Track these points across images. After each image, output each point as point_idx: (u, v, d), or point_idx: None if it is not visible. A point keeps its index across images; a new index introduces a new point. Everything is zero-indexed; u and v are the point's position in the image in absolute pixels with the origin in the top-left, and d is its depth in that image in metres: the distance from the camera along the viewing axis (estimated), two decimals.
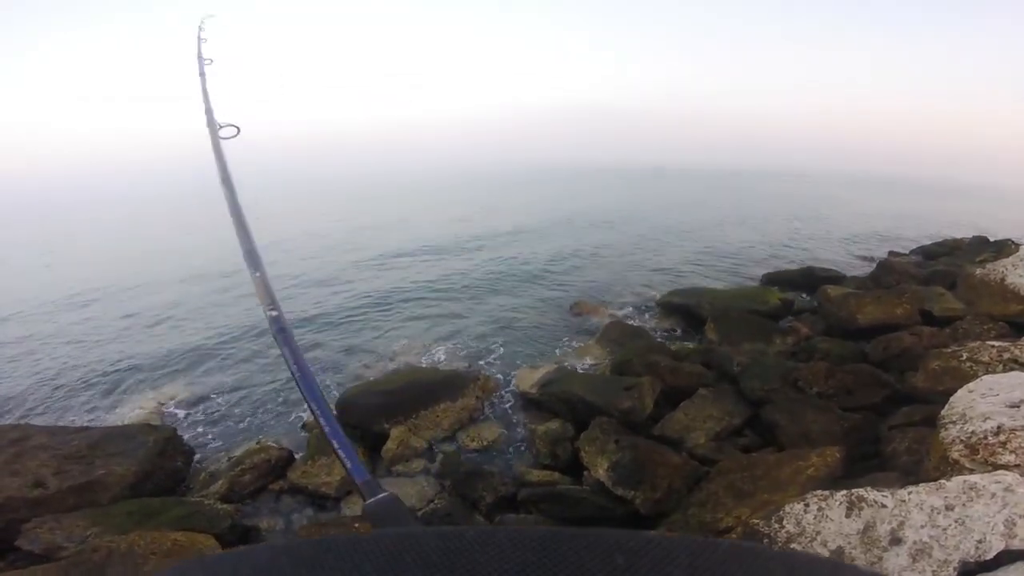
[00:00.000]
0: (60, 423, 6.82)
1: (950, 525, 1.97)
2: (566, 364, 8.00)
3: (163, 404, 7.63)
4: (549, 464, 5.51)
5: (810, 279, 11.53)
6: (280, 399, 7.49)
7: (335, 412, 0.84)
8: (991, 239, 15.99)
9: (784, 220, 25.10)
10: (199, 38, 2.01)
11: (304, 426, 6.48)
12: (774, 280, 12.12)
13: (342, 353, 9.05)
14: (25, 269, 19.12)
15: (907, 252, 16.35)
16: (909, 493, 2.19)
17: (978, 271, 8.25)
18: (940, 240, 17.47)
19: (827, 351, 6.98)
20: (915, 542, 1.99)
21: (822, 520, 2.38)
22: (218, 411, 7.33)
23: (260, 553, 0.31)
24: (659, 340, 8.81)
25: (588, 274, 13.99)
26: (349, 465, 0.75)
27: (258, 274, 1.03)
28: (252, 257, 1.06)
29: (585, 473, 5.09)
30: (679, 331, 9.54)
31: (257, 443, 6.09)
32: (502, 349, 8.95)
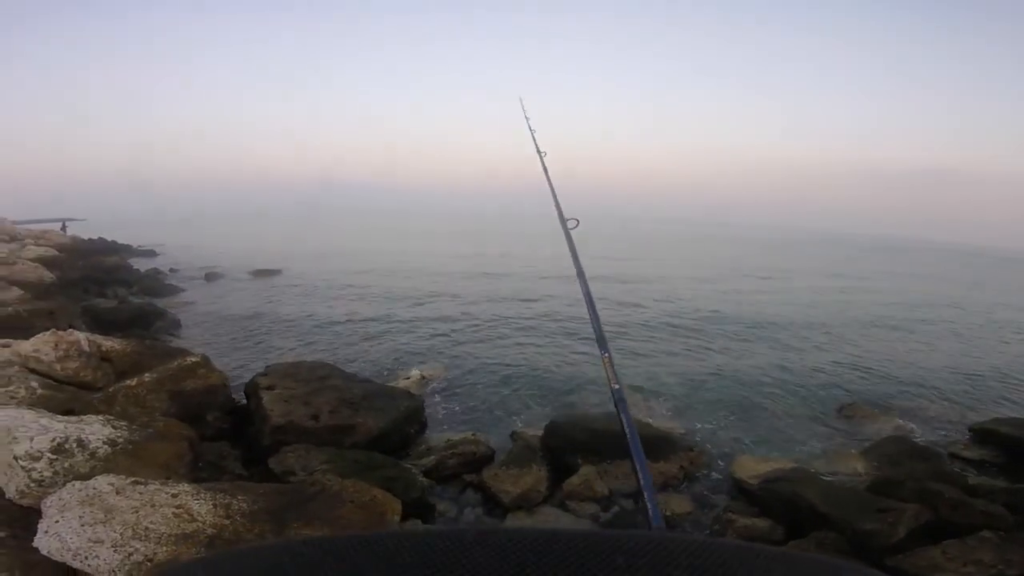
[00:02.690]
0: (356, 371, 8.51)
1: None
2: (806, 466, 6.80)
3: (426, 379, 9.18)
4: None
5: None
6: (506, 406, 8.27)
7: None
8: None
9: None
10: (530, 128, 2.38)
11: (513, 435, 6.97)
12: None
13: (573, 381, 9.42)
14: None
15: None
16: None
17: None
18: None
19: None
20: None
21: None
22: (459, 399, 8.44)
23: (261, 553, 0.32)
24: (953, 469, 6.80)
25: (882, 373, 11.41)
26: (652, 512, 0.95)
27: (606, 355, 1.32)
28: (601, 341, 1.36)
29: None
30: (991, 465, 7.15)
31: (472, 435, 6.76)
32: (732, 425, 8.07)
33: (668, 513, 5.59)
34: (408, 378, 9.21)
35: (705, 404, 8.80)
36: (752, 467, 6.47)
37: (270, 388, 6.54)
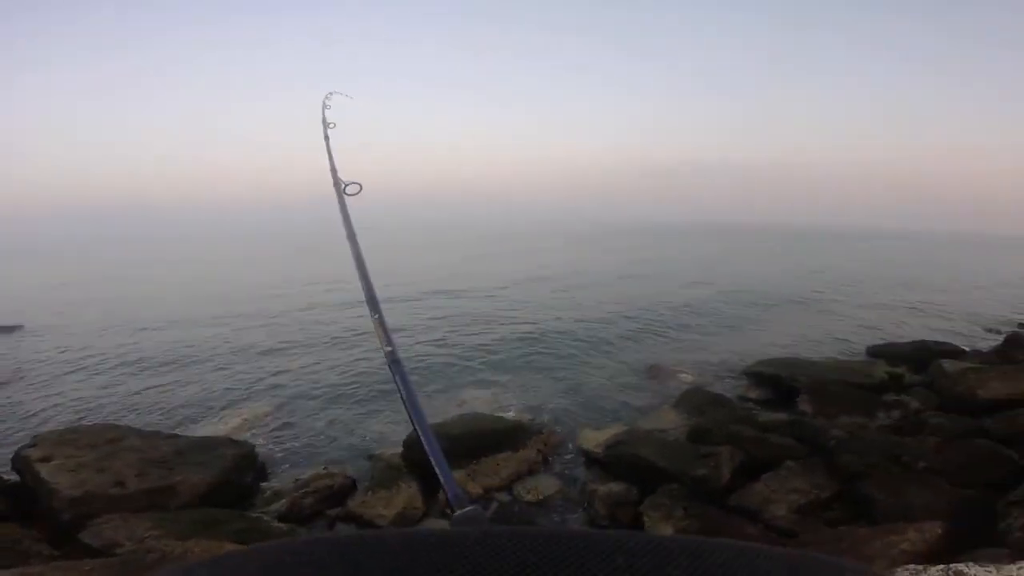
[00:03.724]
0: (156, 428, 7.36)
1: None
2: (636, 427, 7.64)
3: (248, 421, 8.13)
4: (606, 525, 5.24)
5: (923, 353, 10.44)
6: (355, 431, 7.73)
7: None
8: None
9: (898, 287, 23.25)
10: (324, 106, 2.28)
11: (370, 457, 6.58)
12: (881, 353, 11.11)
13: (421, 391, 9.21)
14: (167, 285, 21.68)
15: None
16: (1019, 568, 1.88)
17: None
18: None
19: (939, 426, 6.35)
20: None
21: None
22: (296, 435, 7.66)
23: (264, 552, 0.31)
24: (744, 410, 8.23)
25: (670, 335, 13.50)
26: (443, 479, 0.83)
27: (376, 316, 1.21)
28: (372, 302, 1.25)
29: None
30: (768, 402, 8.83)
31: (324, 469, 6.26)
32: (570, 406, 8.69)
33: (539, 497, 5.82)
34: (227, 424, 8.06)
35: (541, 391, 9.34)
36: (595, 437, 7.07)
37: (46, 460, 5.47)
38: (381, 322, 1.19)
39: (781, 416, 7.57)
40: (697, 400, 8.50)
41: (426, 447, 0.87)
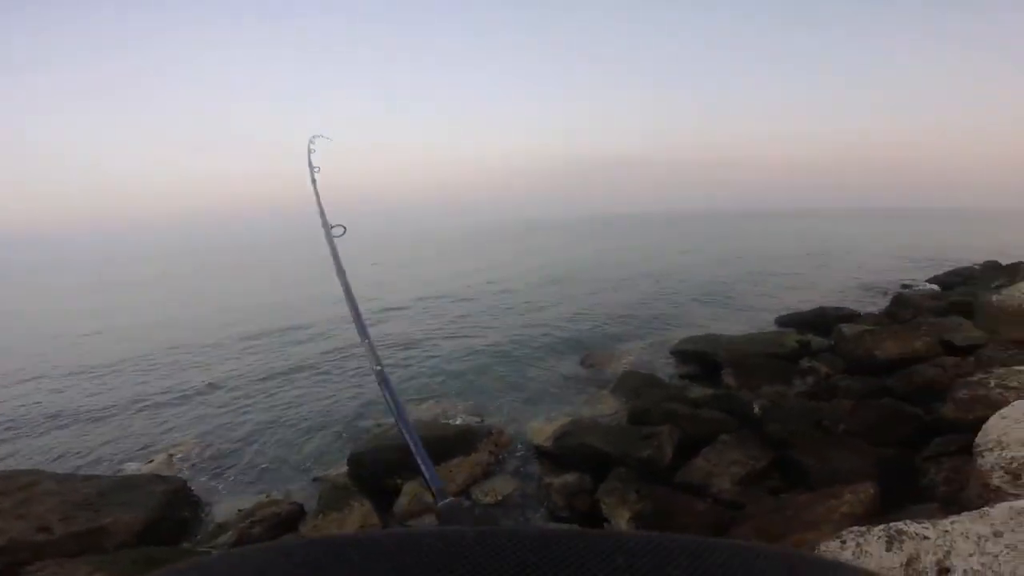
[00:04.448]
0: (71, 470, 6.82)
1: (1001, 551, 1.86)
2: (580, 416, 7.82)
3: (174, 457, 7.55)
4: (566, 517, 5.35)
5: (824, 319, 11.48)
6: (292, 456, 7.38)
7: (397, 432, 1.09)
8: (1003, 263, 16.55)
9: (793, 259, 25.37)
10: (309, 150, 2.34)
11: (315, 480, 6.35)
12: (788, 322, 12.09)
13: (354, 408, 8.95)
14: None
15: (920, 284, 16.60)
16: (952, 523, 2.09)
17: (994, 297, 8.21)
18: (952, 269, 17.81)
19: (849, 388, 6.91)
20: (965, 571, 1.87)
21: (861, 556, 2.26)
22: (230, 466, 7.21)
23: (258, 554, 0.30)
24: (676, 388, 8.62)
25: (598, 324, 13.93)
26: (428, 476, 0.93)
27: (367, 341, 1.37)
28: (361, 328, 1.40)
29: (606, 524, 4.95)
30: (695, 378, 9.32)
31: (267, 496, 6.00)
32: (514, 403, 8.76)
33: (498, 498, 5.85)
34: (151, 462, 7.46)
35: (484, 392, 9.36)
36: (543, 431, 7.18)
37: None
38: (371, 345, 1.33)
39: (709, 391, 8.00)
40: (632, 383, 8.78)
41: (413, 449, 0.99)
